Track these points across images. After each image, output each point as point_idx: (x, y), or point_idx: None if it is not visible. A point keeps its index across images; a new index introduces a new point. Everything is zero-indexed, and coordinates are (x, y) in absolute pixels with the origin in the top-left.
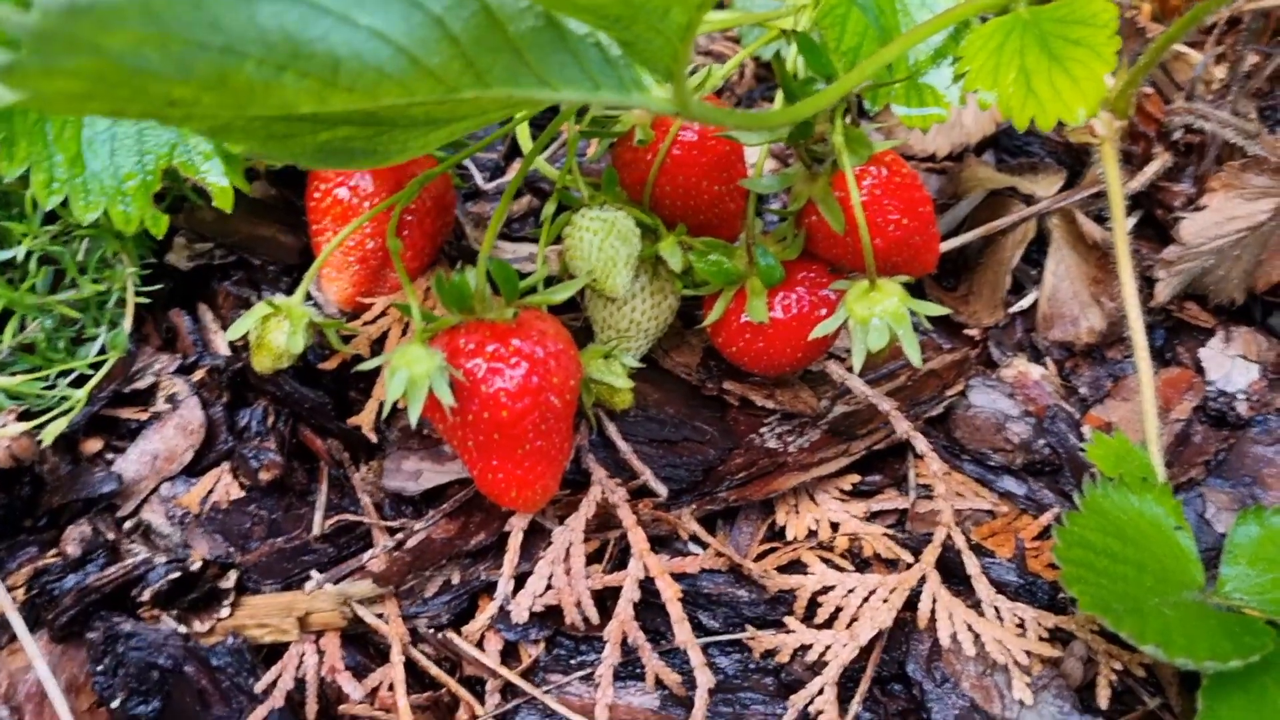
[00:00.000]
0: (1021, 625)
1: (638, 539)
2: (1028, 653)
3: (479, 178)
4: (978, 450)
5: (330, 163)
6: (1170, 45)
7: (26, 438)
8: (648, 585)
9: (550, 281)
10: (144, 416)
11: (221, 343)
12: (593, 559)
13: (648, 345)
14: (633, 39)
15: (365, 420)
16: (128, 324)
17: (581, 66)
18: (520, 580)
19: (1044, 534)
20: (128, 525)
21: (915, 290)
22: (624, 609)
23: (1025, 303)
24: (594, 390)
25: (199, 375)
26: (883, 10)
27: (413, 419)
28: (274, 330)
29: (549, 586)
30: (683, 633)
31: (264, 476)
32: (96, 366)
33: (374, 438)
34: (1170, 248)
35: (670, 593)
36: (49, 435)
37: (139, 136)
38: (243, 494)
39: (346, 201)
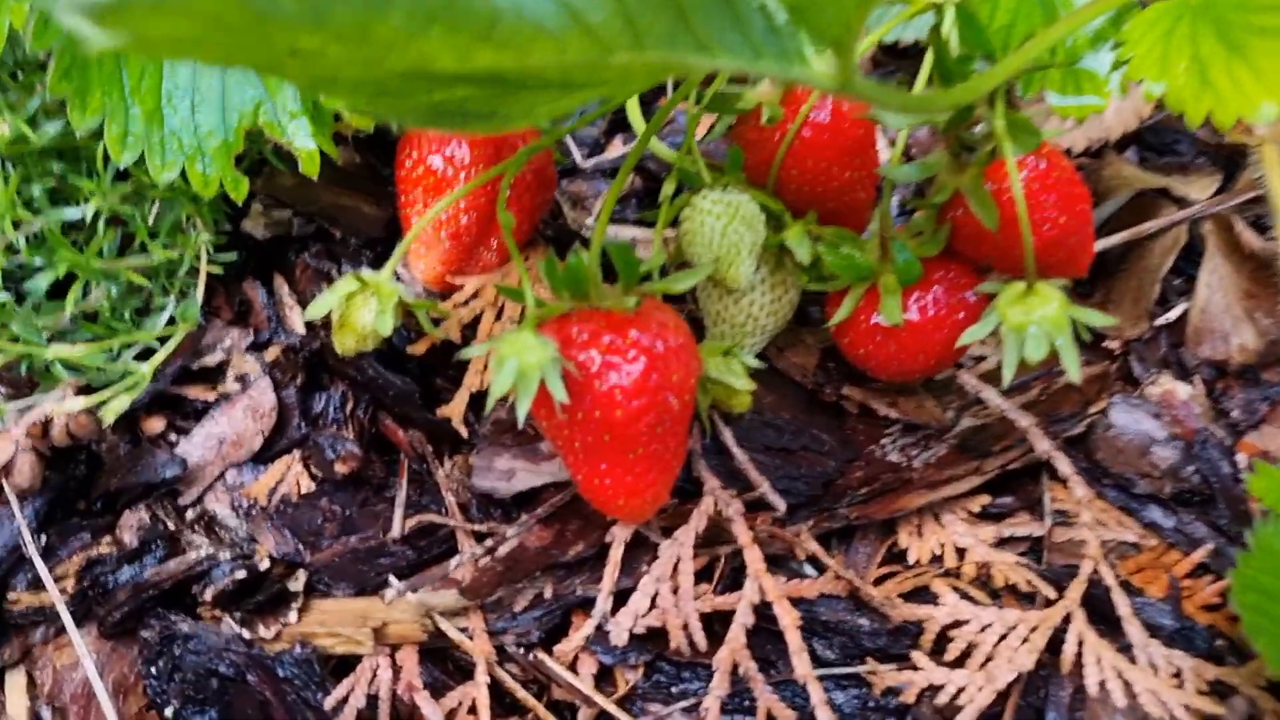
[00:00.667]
0: (1178, 675)
1: (754, 558)
2: (1186, 707)
3: (577, 154)
4: (1121, 475)
5: (441, 124)
6: None
7: (86, 414)
8: (762, 609)
9: (666, 269)
10: (212, 397)
11: (297, 319)
12: (700, 576)
13: (764, 342)
14: (803, 5)
15: (455, 411)
16: (199, 294)
17: (744, 32)
18: (621, 597)
19: (1196, 572)
20: (190, 514)
21: None
22: (736, 635)
23: (1172, 315)
24: (710, 391)
25: (273, 354)
26: None
27: (520, 415)
28: (359, 308)
29: (653, 606)
30: (801, 665)
31: (340, 469)
32: (164, 340)
33: (464, 431)
34: None
35: (789, 619)
36: (110, 413)
37: (223, 92)
38: (314, 486)
39: (440, 172)
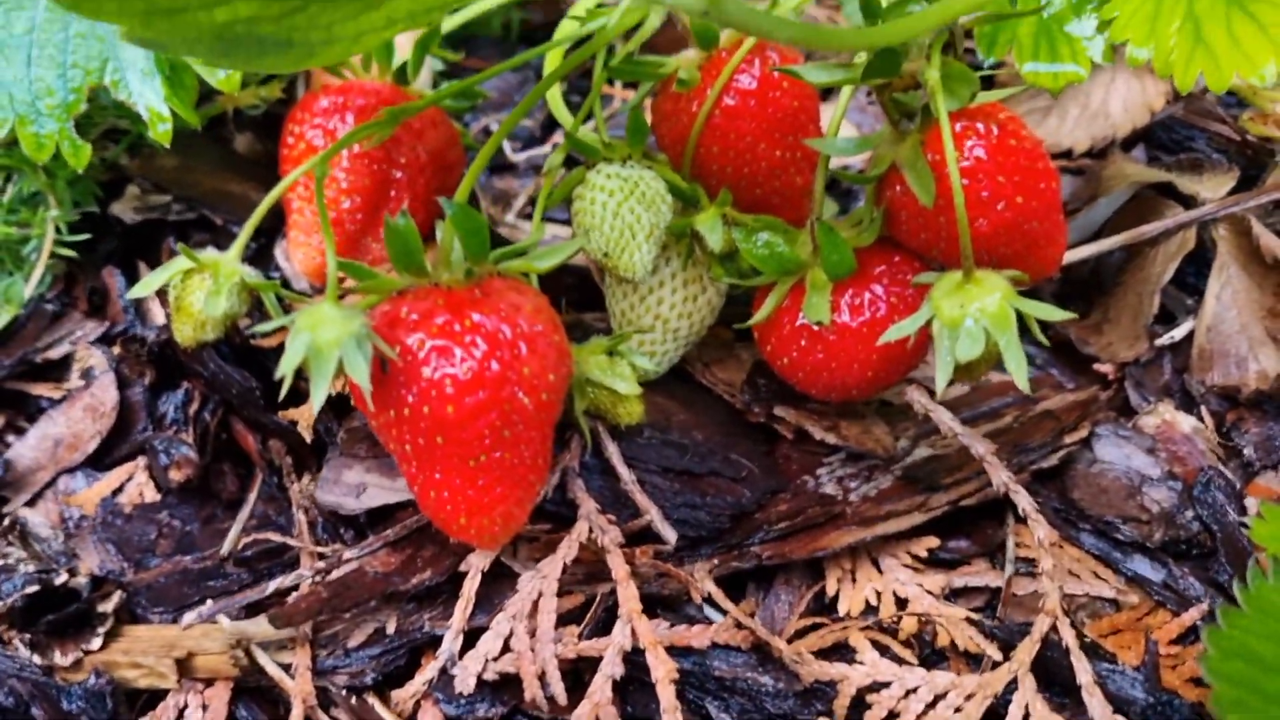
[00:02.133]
0: None
1: (628, 595)
2: None
3: (508, 147)
4: (1101, 518)
5: (234, 56)
6: None
7: None
8: (637, 658)
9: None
10: (58, 394)
11: (159, 311)
12: (570, 618)
13: (678, 351)
14: None
15: (304, 415)
16: (36, 274)
17: None
18: (472, 637)
19: (1187, 636)
20: (5, 521)
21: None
22: (600, 687)
23: (1177, 334)
24: (591, 396)
25: (122, 347)
26: None
27: (314, 404)
28: (195, 291)
29: (507, 649)
30: None
31: (174, 476)
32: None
33: (308, 437)
34: None
35: (663, 671)
36: None
37: (64, 46)
38: (158, 497)
39: (322, 148)
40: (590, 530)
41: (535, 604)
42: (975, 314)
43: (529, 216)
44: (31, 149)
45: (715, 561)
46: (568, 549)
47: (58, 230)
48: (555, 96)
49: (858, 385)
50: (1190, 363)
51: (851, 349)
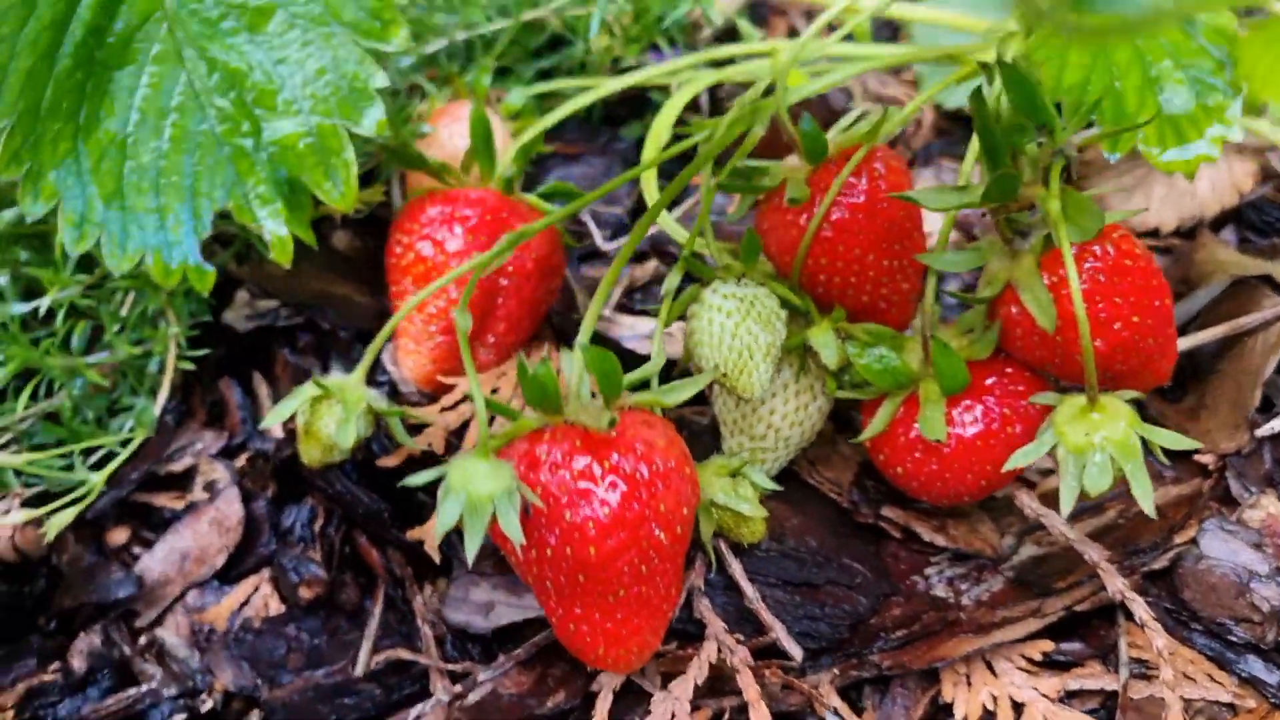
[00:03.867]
0: None
1: (761, 715)
2: None
3: (598, 236)
4: (1214, 619)
5: None
6: None
7: (33, 528)
8: None
9: (671, 374)
10: (180, 505)
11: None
12: None
13: (789, 457)
14: None
15: (428, 533)
16: (162, 396)
17: None
18: None
19: None
20: (144, 640)
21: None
22: None
23: (1278, 424)
24: (715, 517)
25: (242, 460)
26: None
27: (469, 556)
28: (324, 416)
29: None
30: None
31: (304, 594)
32: (127, 443)
33: (436, 556)
34: None
35: None
36: (54, 527)
37: (191, 174)
38: (283, 609)
39: (430, 259)
40: (719, 650)
41: None
42: (1101, 444)
43: (624, 309)
44: (160, 277)
45: (836, 671)
46: (698, 669)
47: (178, 345)
48: (658, 199)
49: (970, 493)
50: None
51: (966, 460)
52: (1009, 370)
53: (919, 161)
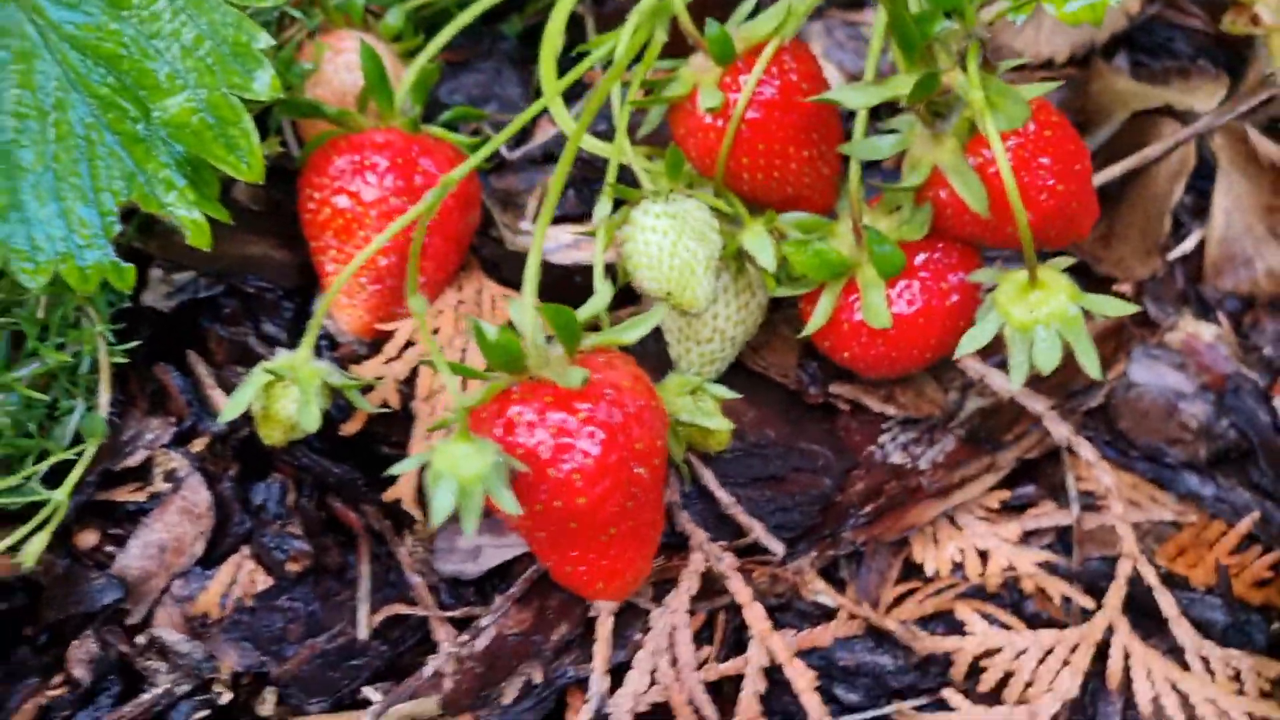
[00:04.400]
0: (1237, 678)
1: (756, 616)
2: (1249, 715)
3: (502, 147)
4: (1150, 445)
5: None
6: None
7: (4, 555)
8: (774, 673)
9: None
10: (143, 497)
11: (221, 399)
12: (699, 637)
13: (735, 353)
14: None
15: (404, 492)
16: (104, 400)
17: None
18: (617, 674)
19: (1242, 545)
20: (141, 639)
21: None
22: (749, 704)
23: (1187, 246)
24: (682, 435)
25: (199, 445)
26: None
27: (467, 531)
28: (280, 399)
29: (653, 682)
30: None
31: (291, 569)
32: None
33: (418, 513)
34: None
35: (804, 681)
36: (30, 557)
37: (87, 171)
38: (271, 581)
39: (349, 210)
40: (706, 560)
41: (671, 637)
42: (1046, 319)
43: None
44: (78, 284)
45: (814, 555)
46: (690, 582)
47: (105, 340)
48: (575, 124)
49: (917, 365)
50: (1203, 272)
51: (911, 338)
52: (939, 244)
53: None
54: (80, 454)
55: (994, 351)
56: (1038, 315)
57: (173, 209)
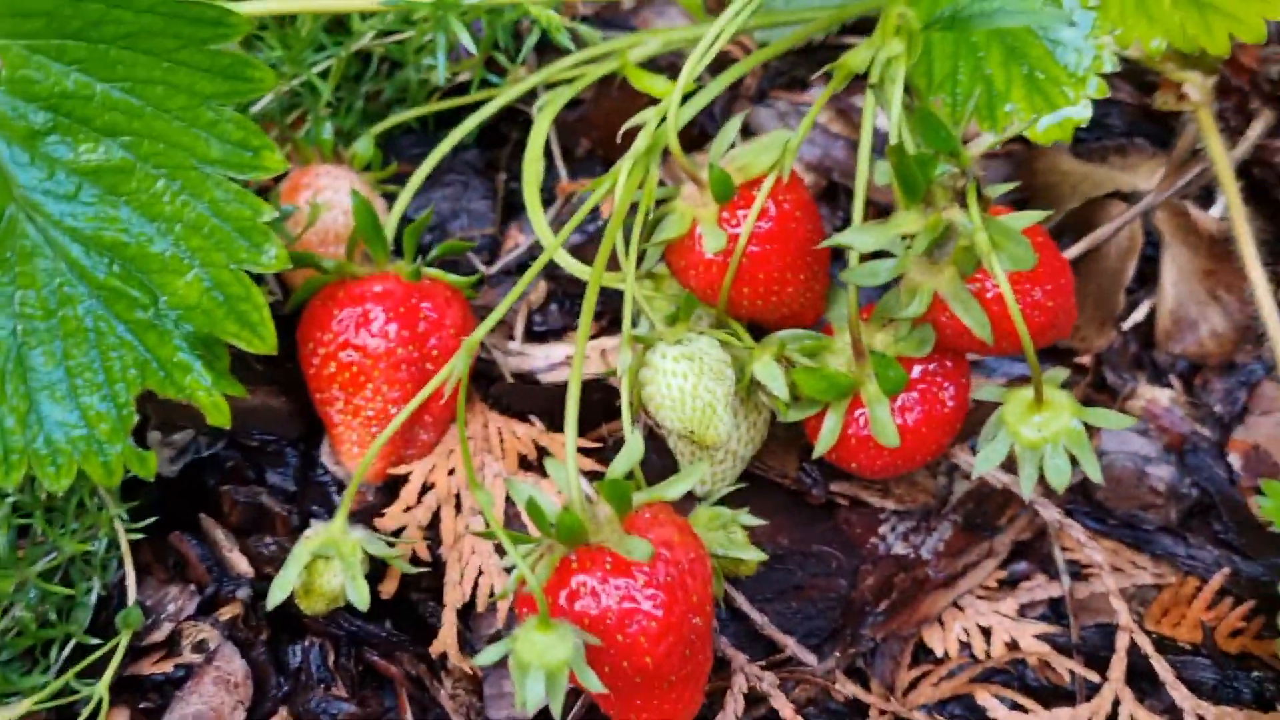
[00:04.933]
0: None
1: None
2: None
3: (477, 262)
4: (1127, 513)
5: None
6: None
7: None
8: None
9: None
10: (170, 667)
11: (239, 560)
12: None
13: (741, 468)
14: None
15: (448, 644)
16: (130, 585)
17: None
18: None
19: (1216, 599)
20: None
21: None
22: None
23: (1138, 315)
24: (717, 567)
25: (228, 613)
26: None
27: (557, 716)
28: (324, 574)
29: None
30: None
31: None
32: (98, 629)
33: (465, 665)
34: None
35: None
36: None
37: (100, 365)
38: None
39: (356, 364)
40: (747, 681)
41: None
42: (1054, 438)
43: (539, 337)
44: (102, 479)
45: (838, 655)
46: (735, 702)
47: (122, 522)
48: (553, 239)
49: (918, 467)
50: (1154, 338)
51: (915, 445)
52: (933, 356)
53: (754, 100)
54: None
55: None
56: (1046, 434)
57: (191, 393)
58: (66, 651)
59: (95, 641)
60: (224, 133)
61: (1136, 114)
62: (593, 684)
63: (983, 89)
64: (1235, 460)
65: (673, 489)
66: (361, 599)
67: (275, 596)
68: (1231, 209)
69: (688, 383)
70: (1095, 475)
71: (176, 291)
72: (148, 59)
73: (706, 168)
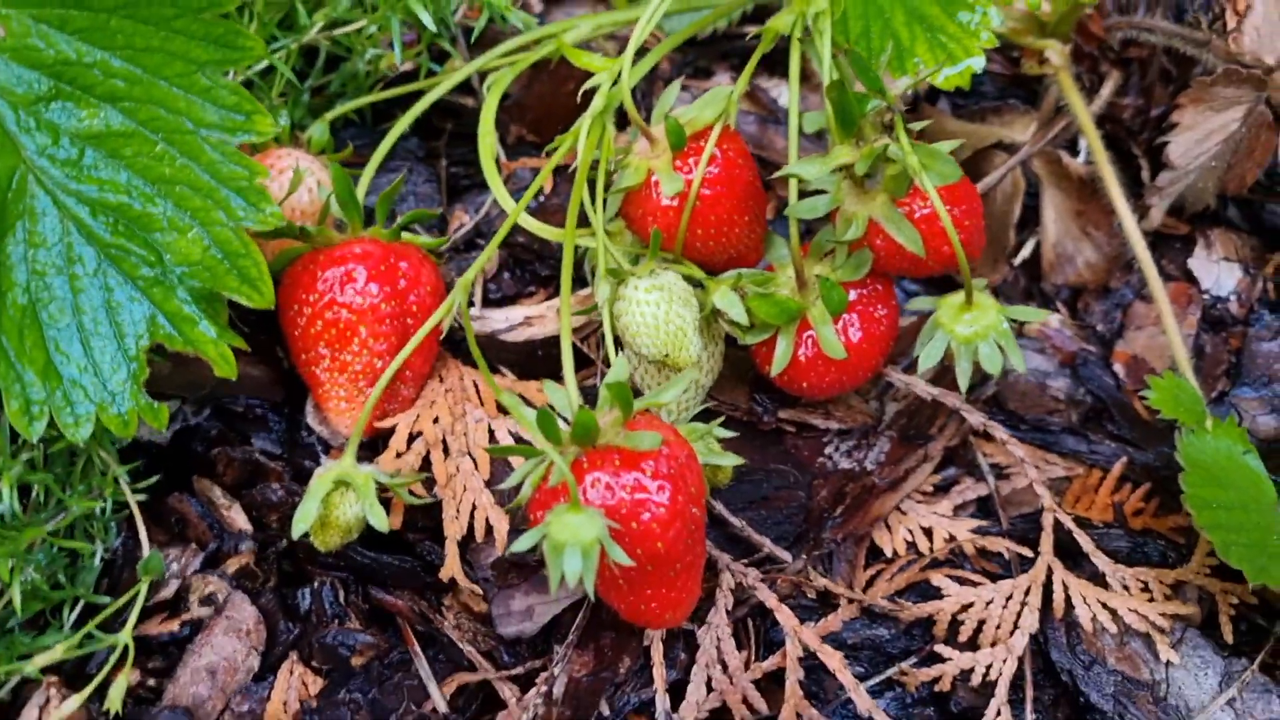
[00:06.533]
0: (1146, 589)
1: (786, 617)
2: (1162, 615)
3: (427, 236)
4: (1035, 417)
5: None
6: None
7: (82, 711)
8: (806, 659)
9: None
10: (177, 627)
11: (238, 516)
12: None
13: (703, 398)
14: None
15: (454, 570)
16: (143, 537)
17: None
18: (676, 691)
19: (1119, 484)
20: None
21: None
22: (793, 690)
23: (1025, 252)
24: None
25: (234, 565)
26: None
27: (591, 592)
28: (339, 505)
29: (710, 690)
30: (864, 702)
31: (357, 663)
32: (105, 586)
33: (474, 587)
34: (1162, 174)
35: (836, 662)
36: (114, 702)
37: (110, 321)
38: (325, 682)
39: (342, 321)
40: (734, 578)
41: (719, 649)
42: (985, 333)
43: (495, 303)
44: (119, 430)
45: (805, 556)
46: (725, 598)
47: (127, 483)
48: (514, 206)
49: (861, 384)
50: (1041, 271)
51: (859, 361)
52: (865, 281)
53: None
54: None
55: (903, 357)
56: (977, 329)
57: (199, 344)
58: (75, 614)
59: (105, 600)
60: (218, 98)
61: (1008, 81)
62: (623, 558)
63: (893, 44)
64: (1119, 369)
65: (665, 394)
66: (382, 522)
67: (298, 528)
68: (1096, 154)
69: (660, 310)
70: (1020, 365)
71: (179, 250)
72: (146, 28)
73: (660, 122)
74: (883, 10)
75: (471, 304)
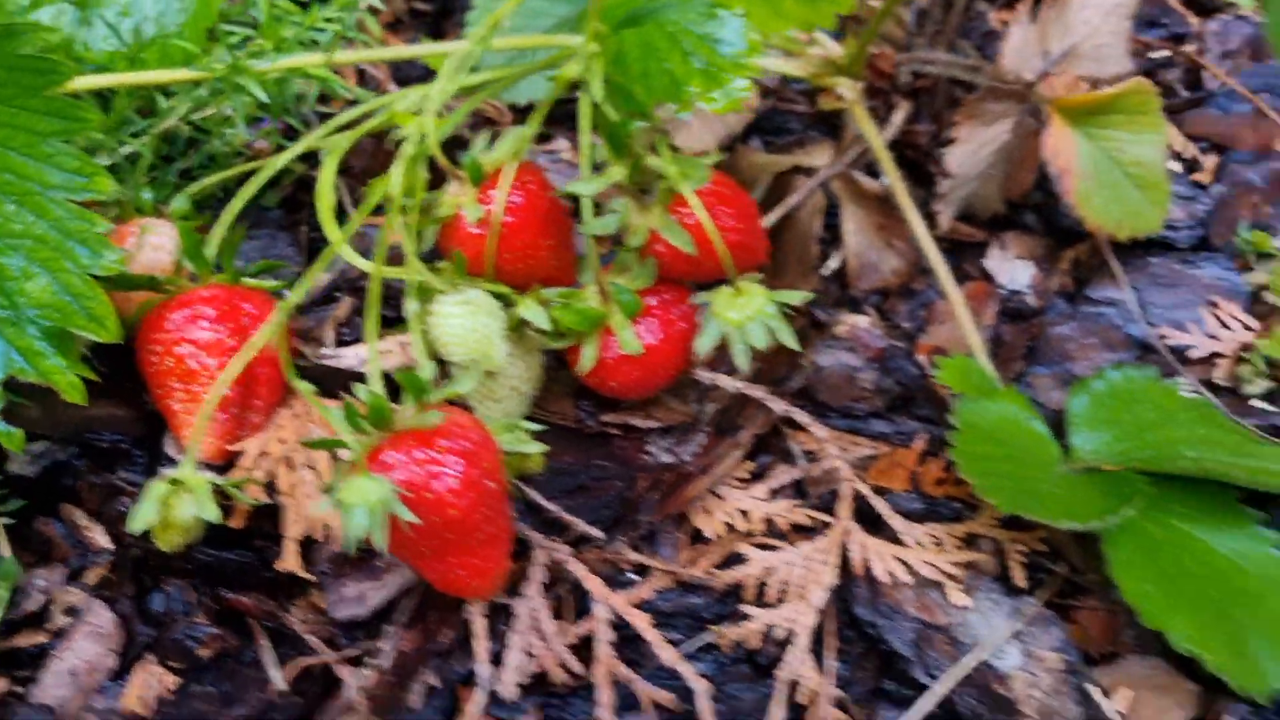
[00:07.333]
0: (940, 543)
1: (595, 585)
2: (954, 563)
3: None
4: (843, 406)
5: None
6: (894, 9)
7: None
8: (617, 624)
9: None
10: (45, 639)
11: (99, 536)
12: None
13: (527, 406)
14: None
15: (293, 563)
16: (6, 547)
17: None
18: (497, 659)
19: (923, 459)
20: None
21: None
22: (604, 651)
23: (834, 264)
24: (508, 463)
25: (93, 577)
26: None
27: (382, 545)
28: (177, 507)
29: (529, 655)
30: (667, 654)
31: (204, 654)
32: None
33: (311, 577)
34: (942, 182)
35: (643, 623)
36: None
37: None
38: (180, 680)
39: (190, 356)
40: (547, 554)
41: (535, 617)
42: (754, 315)
43: (346, 342)
44: None
45: (625, 539)
46: (539, 573)
47: None
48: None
49: (665, 381)
50: (848, 279)
51: (658, 360)
52: (661, 289)
53: None
54: None
55: (720, 364)
56: (747, 314)
57: (50, 375)
58: None
59: None
60: (61, 163)
61: (810, 119)
62: (407, 515)
63: (668, 79)
64: (923, 360)
65: (460, 385)
66: (215, 514)
67: (135, 526)
68: (889, 175)
69: (466, 321)
70: (791, 343)
71: (31, 294)
72: None
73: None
74: (658, 51)
75: (323, 345)
